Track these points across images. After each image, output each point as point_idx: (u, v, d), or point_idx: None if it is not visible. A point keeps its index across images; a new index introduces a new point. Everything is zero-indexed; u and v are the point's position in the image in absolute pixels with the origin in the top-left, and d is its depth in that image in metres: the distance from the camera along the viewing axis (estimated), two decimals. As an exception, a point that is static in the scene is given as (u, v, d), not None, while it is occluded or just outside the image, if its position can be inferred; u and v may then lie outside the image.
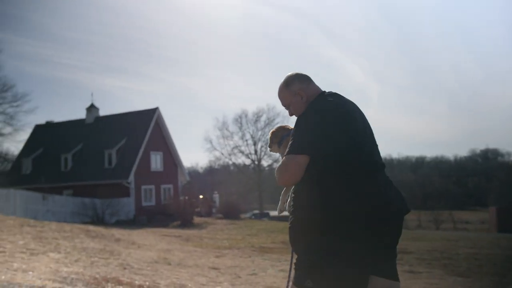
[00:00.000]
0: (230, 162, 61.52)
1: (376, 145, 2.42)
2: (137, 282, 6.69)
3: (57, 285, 5.39)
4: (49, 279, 5.64)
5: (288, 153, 2.23)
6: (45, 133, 40.12)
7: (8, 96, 37.69)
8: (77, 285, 5.64)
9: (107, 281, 6.34)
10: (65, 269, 6.68)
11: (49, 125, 42.08)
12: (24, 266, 6.24)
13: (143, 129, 33.66)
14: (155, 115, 34.56)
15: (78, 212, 27.06)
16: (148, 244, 12.85)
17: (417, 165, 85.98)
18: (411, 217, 49.06)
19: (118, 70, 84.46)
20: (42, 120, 43.52)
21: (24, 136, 54.31)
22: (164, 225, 25.85)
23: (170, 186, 35.06)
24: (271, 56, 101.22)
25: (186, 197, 30.34)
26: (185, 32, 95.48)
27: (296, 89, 2.45)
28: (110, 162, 33.19)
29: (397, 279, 2.29)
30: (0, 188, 26.73)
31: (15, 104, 37.42)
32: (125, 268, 7.84)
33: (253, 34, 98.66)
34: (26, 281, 5.18)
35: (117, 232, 15.22)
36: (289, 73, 2.53)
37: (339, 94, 2.45)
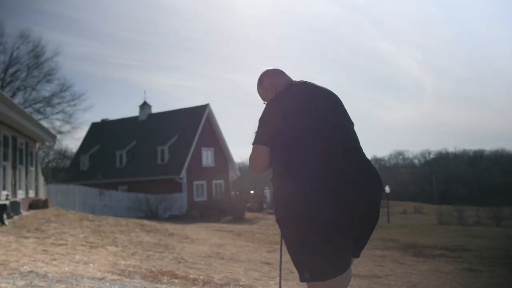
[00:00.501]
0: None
1: (351, 131, 2.44)
2: (191, 276, 6.76)
3: (116, 277, 5.52)
4: (109, 272, 5.79)
5: (253, 143, 2.38)
6: (101, 131, 41.54)
7: (67, 96, 39.32)
8: (135, 278, 5.75)
9: (163, 274, 6.44)
10: (123, 262, 6.84)
11: (105, 122, 43.53)
12: (85, 259, 6.44)
13: (194, 125, 34.13)
14: (206, 111, 34.96)
15: (133, 207, 27.82)
16: (201, 239, 13.00)
17: (475, 159, 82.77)
18: (468, 213, 47.36)
19: (170, 68, 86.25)
20: (98, 118, 45.14)
21: (81, 133, 56.69)
22: (216, 220, 26.15)
23: (221, 181, 35.41)
24: (322, 51, 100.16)
25: (237, 192, 30.55)
26: (236, 29, 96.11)
27: (267, 84, 2.60)
28: (162, 158, 33.90)
29: (357, 256, 2.38)
30: (61, 184, 27.92)
31: (73, 103, 39.01)
32: (179, 262, 7.94)
33: (304, 29, 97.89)
34: (87, 273, 5.33)
35: (170, 227, 15.50)
36: (262, 71, 2.66)
37: (304, 82, 2.53)
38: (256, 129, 2.40)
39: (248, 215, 28.73)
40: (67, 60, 67.17)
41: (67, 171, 39.48)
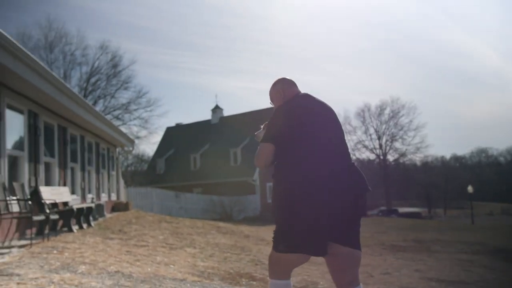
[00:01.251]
0: (354, 158, 60.28)
1: (342, 138, 2.96)
2: (269, 279, 6.72)
3: (196, 278, 5.59)
4: (189, 273, 5.88)
5: (261, 141, 2.92)
6: (175, 135, 42.91)
7: (143, 102, 41.02)
8: (214, 280, 5.80)
9: (241, 276, 6.45)
10: (202, 263, 6.94)
11: (179, 127, 44.91)
12: (165, 260, 6.60)
13: (265, 127, 34.34)
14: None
15: (207, 209, 28.40)
16: (276, 241, 12.97)
17: None
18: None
19: (240, 71, 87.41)
20: (172, 123, 46.59)
21: (157, 138, 58.81)
22: (289, 221, 26.03)
23: (294, 182, 35.31)
24: (393, 46, 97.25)
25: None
26: (304, 29, 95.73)
27: (278, 88, 3.15)
28: (235, 161, 34.38)
29: (358, 248, 2.78)
30: (139, 187, 29.10)
31: (149, 109, 40.58)
32: (256, 264, 7.94)
33: (373, 25, 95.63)
34: (169, 274, 5.44)
35: (245, 229, 15.64)
36: (278, 78, 3.23)
37: (307, 95, 3.07)
38: (266, 129, 2.95)
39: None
40: (142, 68, 70.17)
41: (145, 175, 41.12)
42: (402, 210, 41.96)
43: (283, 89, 3.15)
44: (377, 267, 9.14)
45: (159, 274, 5.40)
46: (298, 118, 2.85)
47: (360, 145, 58.28)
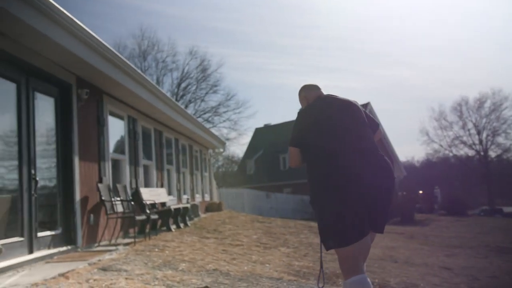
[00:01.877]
0: (451, 154, 57.07)
1: (365, 132, 3.07)
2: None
3: (292, 278, 5.56)
4: (284, 272, 5.86)
5: (289, 144, 3.20)
6: (264, 136, 43.36)
7: (232, 104, 41.83)
8: (310, 279, 5.74)
9: (337, 276, 6.32)
10: (296, 263, 6.90)
11: (267, 127, 45.34)
12: (261, 259, 6.64)
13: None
14: (367, 110, 33.95)
15: (298, 209, 28.37)
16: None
17: None
18: None
19: (328, 70, 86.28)
20: (260, 124, 47.10)
21: (246, 139, 59.77)
22: (383, 221, 25.26)
23: (386, 181, 34.22)
24: (493, 35, 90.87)
25: (405, 193, 29.17)
26: (391, 24, 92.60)
27: (303, 95, 3.42)
28: (324, 160, 34.03)
29: (382, 231, 2.99)
30: (230, 188, 29.77)
31: (237, 111, 41.32)
32: (352, 264, 7.76)
33: (472, 13, 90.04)
34: (265, 273, 5.47)
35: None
36: (303, 85, 3.46)
37: (328, 96, 3.30)
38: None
39: (417, 216, 27.22)
40: (230, 71, 71.67)
41: (235, 176, 41.94)
42: (507, 210, 38.99)
43: (306, 95, 3.41)
44: (482, 270, 8.56)
45: (256, 272, 5.45)
46: (312, 119, 3.11)
47: (457, 141, 55.02)
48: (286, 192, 32.82)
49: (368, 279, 2.81)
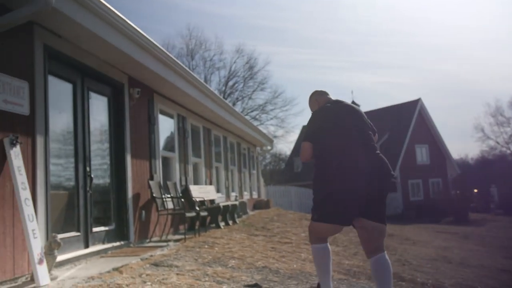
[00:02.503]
0: (508, 152, 54.55)
1: (367, 133, 3.60)
2: (419, 280, 6.35)
3: (342, 276, 5.48)
4: (334, 271, 5.78)
5: (302, 140, 3.70)
6: (312, 133, 42.94)
7: (279, 102, 41.87)
8: (360, 278, 5.64)
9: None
10: (346, 261, 6.80)
11: (315, 125, 44.87)
12: (310, 257, 6.58)
13: (405, 122, 32.81)
14: (418, 107, 33.27)
15: (347, 207, 27.96)
16: (423, 241, 12.28)
17: None
18: None
19: (377, 65, 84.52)
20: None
21: (293, 137, 59.60)
22: (435, 220, 24.54)
23: (439, 179, 33.18)
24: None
25: (458, 191, 28.18)
26: (442, 16, 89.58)
27: (314, 100, 4.02)
28: (374, 158, 33.43)
29: (383, 223, 3.42)
30: (278, 185, 29.76)
31: (284, 108, 41.32)
32: (404, 265, 7.57)
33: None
34: (314, 271, 5.41)
35: (388, 227, 15.01)
36: (314, 91, 4.09)
37: (336, 101, 3.85)
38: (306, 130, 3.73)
39: (472, 216, 26.23)
40: (277, 68, 71.27)
41: (282, 173, 41.88)
42: None
43: (317, 99, 4.01)
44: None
45: (305, 270, 5.40)
46: (326, 119, 3.65)
47: (516, 137, 52.52)
48: (334, 190, 32.40)
49: (329, 248, 3.64)
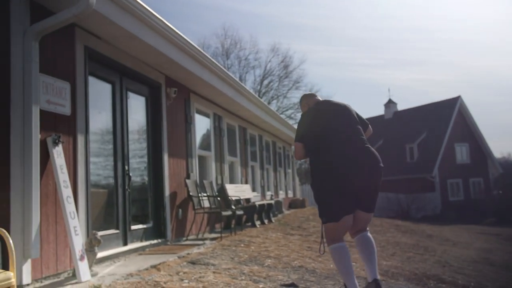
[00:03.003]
0: None
1: (355, 128, 3.79)
2: (460, 282, 6.18)
3: (380, 277, 5.38)
4: (372, 272, 5.70)
5: (294, 140, 3.95)
6: (347, 132, 42.47)
7: (314, 101, 41.39)
8: (399, 279, 5.53)
9: (428, 278, 6.04)
10: (384, 262, 6.68)
11: (351, 124, 44.38)
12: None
13: (444, 120, 32.01)
14: (457, 104, 32.40)
15: (383, 207, 27.54)
16: (463, 242, 11.95)
17: None
18: None
19: (414, 62, 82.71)
20: (344, 120, 46.13)
21: (329, 136, 58.85)
22: (476, 221, 23.83)
23: (480, 179, 32.22)
24: None
25: (500, 191, 27.26)
26: (480, 11, 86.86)
27: (304, 102, 4.20)
28: (411, 156, 32.77)
29: (372, 212, 3.75)
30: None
31: (320, 107, 40.86)
32: (444, 266, 7.38)
33: None
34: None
35: (427, 228, 14.74)
36: (303, 94, 4.38)
37: (324, 101, 4.15)
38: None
39: (515, 216, 25.32)
40: (312, 66, 70.72)
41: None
42: None
43: (307, 102, 4.21)
44: None
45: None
46: (314, 120, 3.87)
47: None
48: (371, 189, 31.89)
49: (347, 246, 3.63)
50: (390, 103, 39.03)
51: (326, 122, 3.81)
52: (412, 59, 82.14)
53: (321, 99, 4.19)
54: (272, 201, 11.24)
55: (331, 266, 5.57)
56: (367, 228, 3.77)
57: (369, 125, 4.06)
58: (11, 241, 2.59)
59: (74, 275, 4.12)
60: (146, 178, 6.54)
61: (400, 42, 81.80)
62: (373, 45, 79.04)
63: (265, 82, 40.12)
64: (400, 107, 39.09)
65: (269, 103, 38.68)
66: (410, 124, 34.57)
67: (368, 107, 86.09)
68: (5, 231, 2.63)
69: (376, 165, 3.64)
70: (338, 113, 3.88)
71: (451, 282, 6.06)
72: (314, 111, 3.94)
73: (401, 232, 12.33)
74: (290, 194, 17.91)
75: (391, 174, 32.90)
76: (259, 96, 37.60)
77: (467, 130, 32.88)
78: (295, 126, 21.21)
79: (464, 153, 32.28)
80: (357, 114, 4.00)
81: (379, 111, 41.25)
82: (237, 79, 9.18)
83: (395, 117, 38.00)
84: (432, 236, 12.28)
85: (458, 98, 32.82)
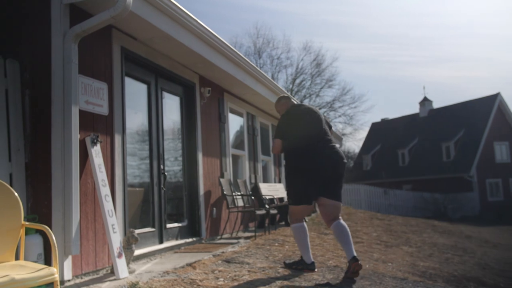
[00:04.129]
0: None
1: (323, 129, 4.69)
2: (502, 285, 6.00)
3: (417, 278, 5.28)
4: (409, 272, 5.59)
5: (273, 137, 4.85)
6: (381, 130, 41.99)
7: (347, 99, 41.10)
8: (437, 281, 5.41)
9: (468, 280, 5.89)
10: (421, 263, 6.55)
11: (385, 122, 43.84)
12: (382, 257, 6.41)
13: (483, 118, 31.16)
14: (496, 102, 31.48)
15: (418, 207, 27.05)
16: (504, 244, 11.60)
17: None
18: None
19: (451, 59, 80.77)
20: (377, 118, 45.59)
21: (362, 134, 58.43)
22: (517, 222, 23.08)
23: (521, 179, 31.20)
24: None
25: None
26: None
27: (282, 102, 5.08)
28: (448, 155, 32.04)
29: (339, 200, 4.60)
30: (346, 183, 29.28)
31: (353, 105, 40.41)
32: (484, 268, 7.18)
33: None
34: (388, 272, 5.26)
35: (465, 229, 14.38)
36: (281, 95, 5.24)
37: (300, 105, 5.03)
38: (276, 129, 4.80)
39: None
40: (345, 65, 70.03)
41: (351, 171, 41.16)
42: None
43: (285, 102, 5.07)
44: None
45: (378, 271, 5.25)
46: (293, 120, 4.69)
47: None
48: (406, 189, 31.39)
49: (306, 226, 4.68)
50: (425, 101, 38.29)
51: (304, 123, 4.66)
52: (449, 56, 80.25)
53: (295, 102, 5.10)
54: (306, 201, 11.16)
55: (367, 266, 5.50)
56: (340, 217, 4.56)
57: (332, 127, 5.01)
58: (54, 238, 2.66)
59: (112, 272, 4.19)
60: (181, 177, 6.61)
61: (433, 39, 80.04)
62: (406, 42, 77.63)
63: (297, 81, 39.92)
64: (436, 105, 38.29)
65: (301, 102, 38.49)
66: (447, 122, 33.82)
67: (401, 105, 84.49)
68: (48, 228, 2.70)
69: (340, 160, 4.58)
70: (313, 116, 4.76)
71: (493, 285, 5.90)
72: (293, 113, 4.76)
73: (438, 232, 12.07)
74: (324, 194, 17.76)
75: (426, 174, 32.26)
76: (291, 95, 37.49)
77: (507, 128, 31.90)
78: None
79: (504, 152, 31.31)
80: (324, 117, 4.89)
81: (414, 109, 40.53)
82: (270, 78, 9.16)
83: (431, 115, 37.24)
84: (471, 237, 11.97)
85: (498, 95, 31.88)
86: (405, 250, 7.70)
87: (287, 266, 4.75)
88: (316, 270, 4.67)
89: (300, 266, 4.65)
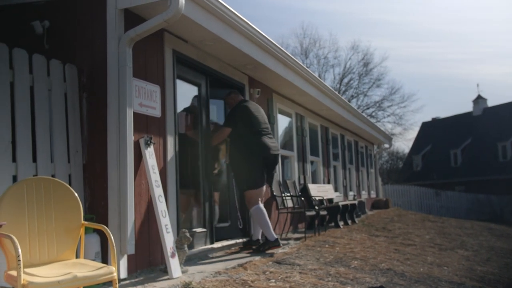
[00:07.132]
0: None
1: (267, 124, 5.85)
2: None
3: (475, 283, 5.09)
4: (466, 277, 5.40)
5: (222, 126, 5.75)
6: (432, 130, 40.82)
7: (396, 98, 40.25)
8: (497, 287, 5.19)
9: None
10: (479, 268, 6.30)
11: (436, 121, 42.59)
12: (437, 261, 6.22)
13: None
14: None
15: (472, 209, 26.09)
16: None
17: None
18: None
19: (505, 55, 77.36)
20: (428, 118, 44.36)
21: (412, 134, 56.83)
22: None
23: None
24: None
25: None
26: None
27: (232, 96, 5.93)
28: (504, 155, 30.75)
29: (270, 185, 6.74)
30: (396, 184, 28.63)
31: (402, 105, 39.56)
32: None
33: None
34: (443, 276, 5.10)
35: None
36: (230, 90, 6.06)
37: (248, 101, 6.02)
38: (225, 120, 5.80)
39: None
40: (394, 63, 68.37)
41: (400, 172, 40.24)
42: None
43: (233, 97, 5.89)
44: None
45: (433, 275, 5.10)
46: (244, 113, 5.57)
47: None
48: (459, 190, 30.33)
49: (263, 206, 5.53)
50: (479, 99, 36.94)
51: (255, 118, 5.62)
52: (504, 52, 76.94)
53: (243, 98, 6.04)
54: (355, 202, 11.01)
55: (421, 269, 5.35)
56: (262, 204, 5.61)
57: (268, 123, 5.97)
58: (112, 238, 2.73)
59: (165, 271, 4.26)
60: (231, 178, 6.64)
61: (486, 35, 76.97)
62: (457, 39, 75.05)
63: (345, 80, 39.42)
64: (491, 103, 36.84)
65: (349, 101, 37.94)
66: (503, 121, 32.47)
67: (453, 105, 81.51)
68: (106, 227, 2.78)
69: (278, 152, 5.80)
70: (261, 112, 5.83)
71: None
72: (244, 106, 5.66)
73: (495, 236, 11.59)
74: (373, 195, 17.46)
75: (481, 174, 31.07)
76: (338, 94, 37.06)
77: None
78: (378, 125, 20.69)
79: None
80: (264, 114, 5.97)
81: (467, 107, 39.11)
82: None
83: (485, 113, 35.88)
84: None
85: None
86: (460, 254, 7.44)
87: (255, 251, 5.48)
88: (281, 246, 5.61)
89: (267, 246, 5.45)
